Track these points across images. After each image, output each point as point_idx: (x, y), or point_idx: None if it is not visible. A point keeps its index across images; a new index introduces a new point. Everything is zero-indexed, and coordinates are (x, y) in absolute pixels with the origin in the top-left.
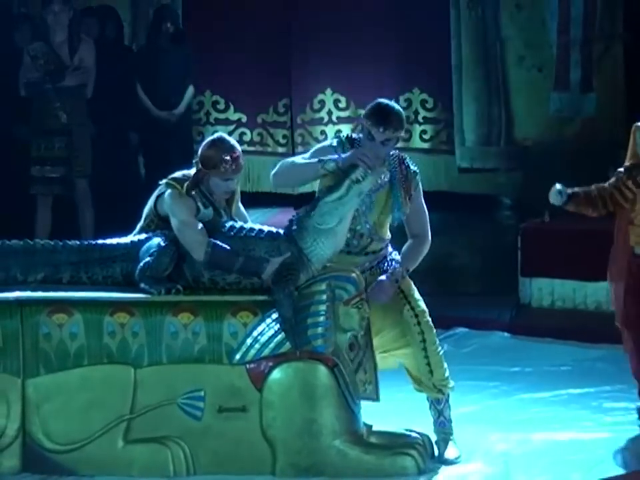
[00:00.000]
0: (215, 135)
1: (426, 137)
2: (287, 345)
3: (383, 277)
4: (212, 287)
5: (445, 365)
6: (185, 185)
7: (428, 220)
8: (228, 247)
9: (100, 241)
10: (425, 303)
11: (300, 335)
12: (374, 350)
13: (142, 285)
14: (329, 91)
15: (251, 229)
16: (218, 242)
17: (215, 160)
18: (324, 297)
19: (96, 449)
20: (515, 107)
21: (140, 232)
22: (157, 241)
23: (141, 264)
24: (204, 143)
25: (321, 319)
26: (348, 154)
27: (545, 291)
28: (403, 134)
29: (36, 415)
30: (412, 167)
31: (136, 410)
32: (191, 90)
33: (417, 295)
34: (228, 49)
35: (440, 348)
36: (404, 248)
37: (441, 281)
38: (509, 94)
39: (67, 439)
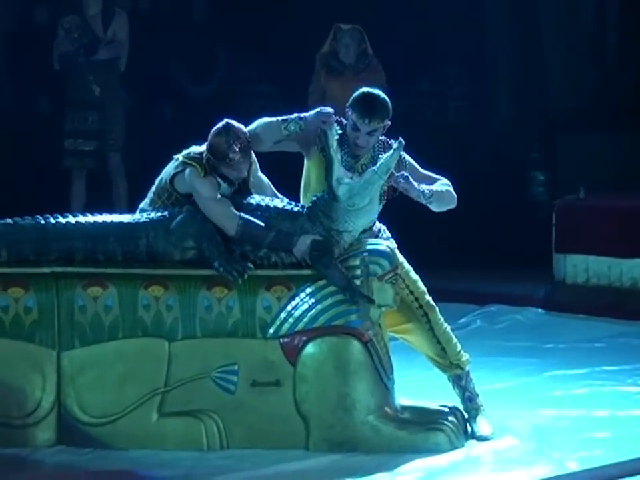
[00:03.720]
0: (222, 123)
1: (460, 112)
2: (321, 320)
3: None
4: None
5: (455, 340)
6: (201, 168)
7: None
8: (258, 221)
9: (116, 218)
10: (458, 278)
11: (364, 296)
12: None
13: (216, 265)
14: None
15: (275, 208)
16: (247, 216)
17: (222, 151)
18: (358, 272)
19: (130, 422)
20: (550, 80)
21: (155, 208)
22: (189, 217)
23: (207, 242)
24: (212, 130)
25: (357, 287)
26: (311, 114)
27: (579, 267)
28: (389, 122)
29: (71, 387)
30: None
31: (170, 383)
32: (224, 63)
33: (413, 275)
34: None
35: (446, 324)
36: None
37: (475, 258)
38: (544, 67)
39: (101, 411)
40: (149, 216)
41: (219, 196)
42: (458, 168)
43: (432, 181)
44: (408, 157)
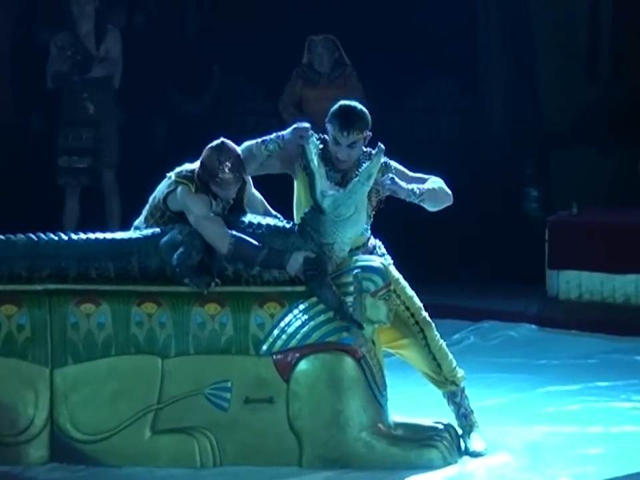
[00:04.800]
0: (218, 140)
1: (453, 128)
2: (314, 336)
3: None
4: (236, 279)
5: (451, 356)
6: (193, 186)
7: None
8: (250, 239)
9: (109, 235)
10: (452, 294)
11: (355, 321)
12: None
13: (185, 280)
14: None
15: (267, 226)
16: (240, 234)
17: (212, 168)
18: (351, 288)
19: (123, 439)
20: (543, 95)
21: (149, 225)
22: (177, 234)
23: (177, 257)
24: (205, 149)
25: (350, 310)
26: (288, 132)
27: (572, 283)
28: (369, 133)
29: (64, 404)
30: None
31: (163, 400)
32: (218, 80)
33: (409, 291)
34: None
35: (442, 341)
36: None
37: (468, 274)
38: (537, 83)
39: (94, 429)
40: (141, 233)
41: (211, 214)
42: (450, 184)
43: (423, 181)
44: (393, 163)
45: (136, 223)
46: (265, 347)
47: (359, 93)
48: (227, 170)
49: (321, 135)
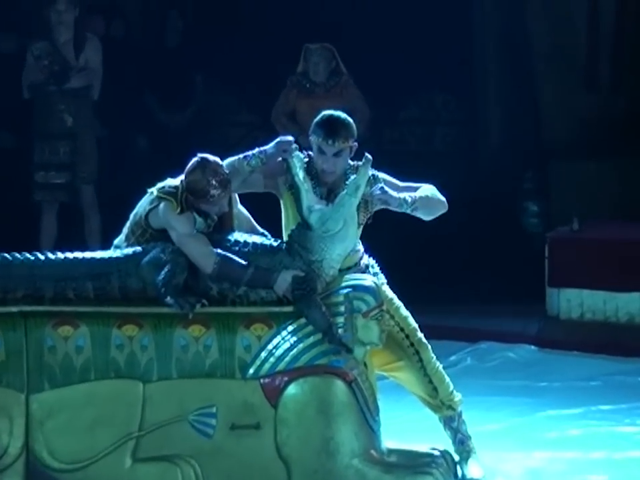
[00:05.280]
0: (196, 159)
1: (448, 140)
2: (303, 359)
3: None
4: (221, 300)
5: (448, 379)
6: (177, 203)
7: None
8: (236, 258)
9: (87, 254)
10: (448, 314)
11: (344, 344)
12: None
13: (168, 300)
14: None
15: (253, 244)
16: (225, 253)
17: (201, 188)
18: (342, 308)
19: (102, 468)
20: (542, 106)
21: (130, 244)
22: (160, 252)
23: (161, 277)
24: (187, 167)
25: (340, 331)
26: (270, 146)
27: (573, 302)
28: (354, 143)
29: (40, 432)
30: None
31: (145, 427)
32: (200, 91)
33: (404, 312)
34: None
35: (438, 363)
36: None
37: (465, 293)
38: (536, 94)
39: (72, 457)
40: (121, 251)
41: (196, 232)
42: (446, 199)
43: (414, 190)
44: (382, 174)
45: (116, 241)
46: (251, 371)
47: (359, 101)
48: (215, 185)
49: (305, 151)
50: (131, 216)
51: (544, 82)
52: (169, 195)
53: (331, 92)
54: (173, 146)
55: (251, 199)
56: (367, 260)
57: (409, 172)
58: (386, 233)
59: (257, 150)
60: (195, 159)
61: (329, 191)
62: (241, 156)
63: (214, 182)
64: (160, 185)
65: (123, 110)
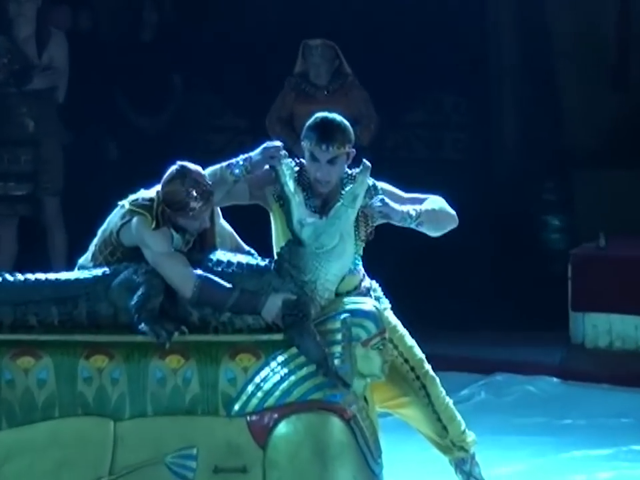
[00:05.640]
0: (175, 167)
1: (459, 146)
2: (295, 394)
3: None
4: (202, 327)
5: (459, 417)
6: (152, 217)
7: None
8: (218, 280)
9: (51, 275)
10: (459, 342)
11: (340, 378)
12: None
13: (142, 327)
14: None
15: (239, 264)
16: (207, 274)
17: (180, 200)
18: (339, 336)
19: None
20: (564, 108)
21: (96, 264)
22: (132, 274)
23: (134, 301)
24: (165, 176)
25: (336, 362)
26: (256, 153)
27: (600, 328)
28: (352, 149)
29: None
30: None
31: (116, 470)
32: (179, 91)
33: (409, 341)
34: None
35: (448, 399)
36: None
37: (477, 318)
38: (558, 94)
39: None
40: (90, 272)
41: (174, 251)
42: (457, 212)
43: (420, 202)
44: (382, 184)
45: (81, 261)
46: (237, 407)
47: (366, 105)
48: (196, 196)
49: (296, 159)
50: (99, 232)
51: (566, 81)
52: (142, 208)
53: (334, 96)
54: (148, 153)
55: (236, 213)
56: (368, 283)
57: (413, 181)
58: (388, 251)
59: (241, 157)
60: (173, 168)
61: (323, 203)
62: (224, 164)
63: (194, 193)
64: (132, 197)
65: (92, 113)
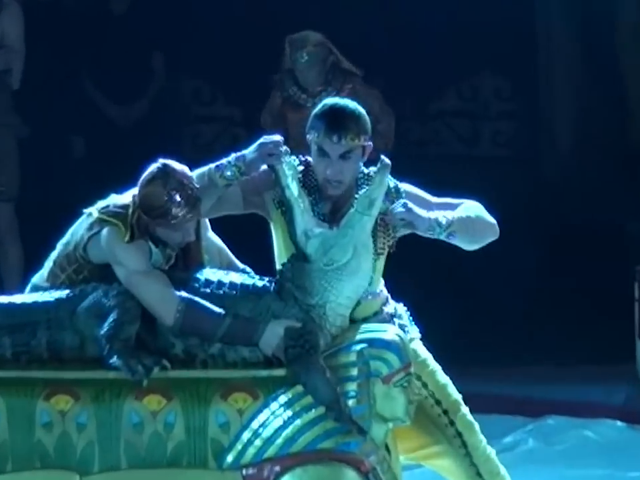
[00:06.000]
0: (156, 165)
1: (501, 139)
2: (301, 442)
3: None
4: (188, 360)
5: (503, 471)
6: (126, 228)
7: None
8: (207, 303)
9: (4, 299)
10: (501, 380)
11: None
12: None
13: (114, 361)
14: None
15: (231, 284)
16: (192, 297)
17: (160, 205)
18: (354, 372)
19: None
20: (630, 97)
21: (56, 284)
22: (102, 296)
23: (105, 330)
24: (143, 176)
25: (350, 403)
26: (251, 150)
27: None
28: (366, 141)
29: None
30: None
31: None
32: (160, 74)
33: (441, 377)
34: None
35: (489, 448)
36: None
37: (523, 349)
38: (622, 79)
39: None
40: (51, 294)
41: (153, 269)
42: (497, 221)
43: (452, 208)
44: (406, 185)
45: (35, 280)
46: (230, 458)
47: (378, 102)
48: (180, 202)
49: (301, 156)
50: (60, 245)
51: (633, 61)
52: (114, 217)
53: None
54: (122, 149)
55: (227, 223)
56: (392, 307)
57: (444, 183)
58: (412, 269)
59: (233, 156)
60: (154, 166)
61: (333, 209)
62: (212, 166)
63: (178, 198)
64: (102, 203)
65: (53, 102)
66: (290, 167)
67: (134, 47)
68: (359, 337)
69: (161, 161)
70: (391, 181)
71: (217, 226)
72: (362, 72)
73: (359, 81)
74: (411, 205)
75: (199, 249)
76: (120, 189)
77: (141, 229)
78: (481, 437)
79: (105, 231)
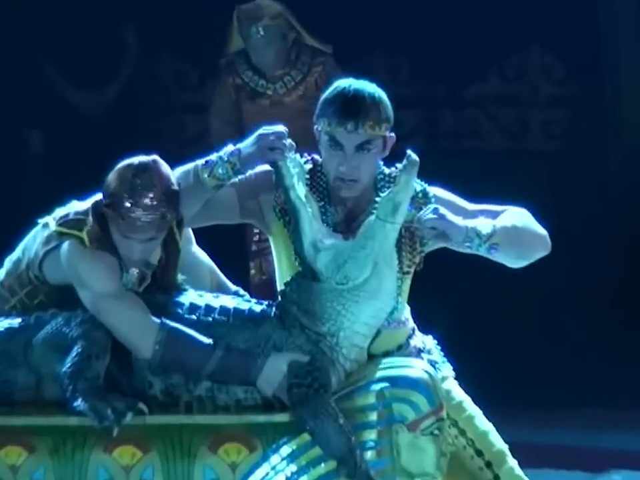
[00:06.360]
0: (148, 157)
1: (554, 130)
2: None
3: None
4: (169, 403)
5: None
6: (88, 237)
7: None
8: (193, 333)
9: None
10: (555, 427)
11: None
12: None
13: (78, 405)
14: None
15: (222, 309)
16: (175, 324)
17: (115, 200)
18: (373, 417)
19: None
20: None
21: (7, 309)
22: (63, 325)
23: (67, 366)
24: (120, 163)
25: (369, 454)
26: (248, 144)
27: None
28: (388, 131)
29: None
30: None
31: None
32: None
33: (482, 424)
34: None
35: None
36: None
37: (580, 390)
38: None
39: None
40: (0, 323)
41: (125, 291)
42: (547, 227)
43: (493, 216)
44: (436, 189)
45: None
46: None
47: None
48: (144, 202)
49: (307, 154)
50: (8, 263)
51: None
52: (75, 228)
53: (296, 89)
54: (87, 145)
55: (217, 232)
56: (420, 340)
57: (484, 185)
58: (445, 291)
59: (225, 151)
60: (142, 157)
61: (348, 216)
62: (199, 162)
63: (143, 195)
64: (60, 212)
65: (6, 87)
66: (295, 165)
67: (102, 22)
68: (379, 374)
69: (137, 158)
70: (418, 184)
71: (201, 238)
72: (330, 48)
73: (330, 61)
74: (443, 210)
75: (175, 267)
76: (84, 193)
77: (104, 238)
78: None
79: (64, 246)
